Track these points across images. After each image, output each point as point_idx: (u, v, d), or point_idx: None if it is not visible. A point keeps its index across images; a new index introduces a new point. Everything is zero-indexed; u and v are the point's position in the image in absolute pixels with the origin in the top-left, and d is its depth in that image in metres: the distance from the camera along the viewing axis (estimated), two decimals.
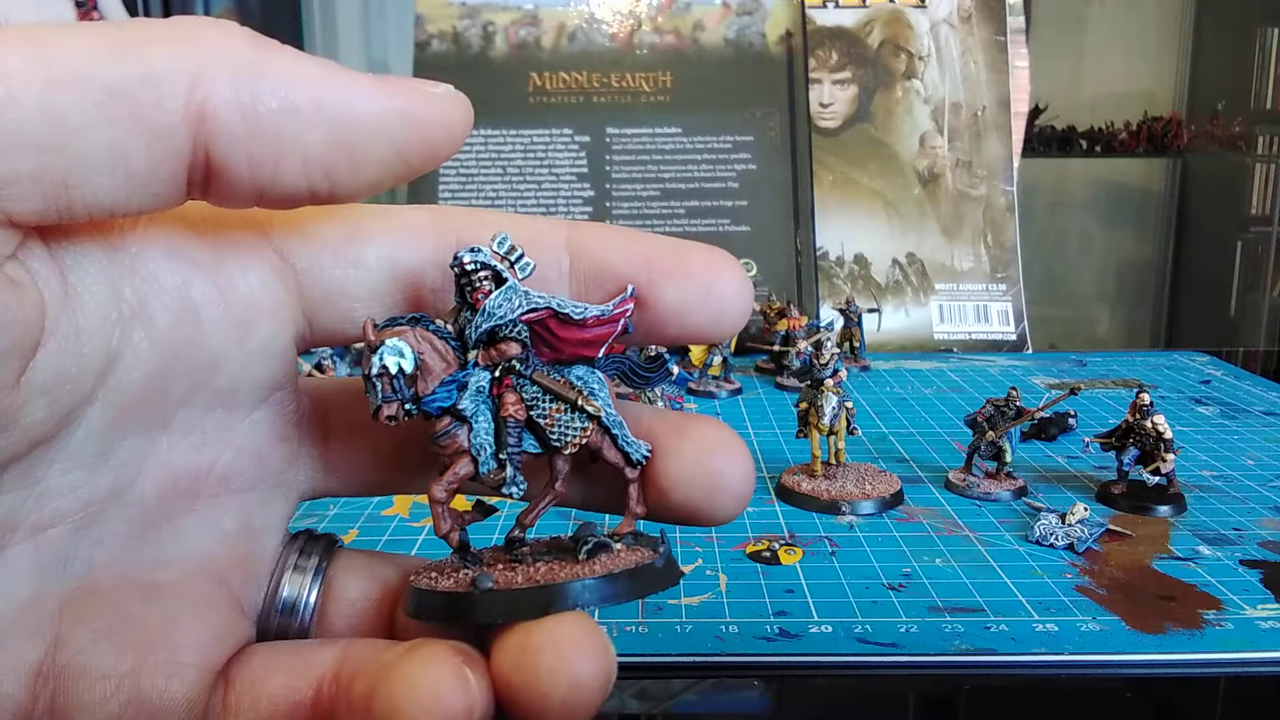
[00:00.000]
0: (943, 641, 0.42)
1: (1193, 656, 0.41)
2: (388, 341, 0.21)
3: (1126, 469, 0.59)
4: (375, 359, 0.21)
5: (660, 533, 0.24)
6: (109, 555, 0.22)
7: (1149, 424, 0.57)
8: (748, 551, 0.51)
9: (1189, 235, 2.20)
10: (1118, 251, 2.31)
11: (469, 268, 0.22)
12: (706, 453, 0.23)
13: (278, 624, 0.24)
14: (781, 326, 0.86)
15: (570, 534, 0.24)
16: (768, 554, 0.51)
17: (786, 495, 0.58)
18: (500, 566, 0.23)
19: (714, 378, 0.82)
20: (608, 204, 1.01)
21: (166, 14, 1.94)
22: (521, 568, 0.22)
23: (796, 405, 0.61)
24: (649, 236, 0.24)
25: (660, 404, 0.60)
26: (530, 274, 0.23)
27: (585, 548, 0.23)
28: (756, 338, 0.92)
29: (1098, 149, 2.11)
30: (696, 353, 0.81)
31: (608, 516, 0.26)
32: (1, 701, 0.21)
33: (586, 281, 0.24)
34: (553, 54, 1.05)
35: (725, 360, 0.82)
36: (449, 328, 0.23)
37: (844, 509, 0.56)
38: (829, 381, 0.60)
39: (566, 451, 0.23)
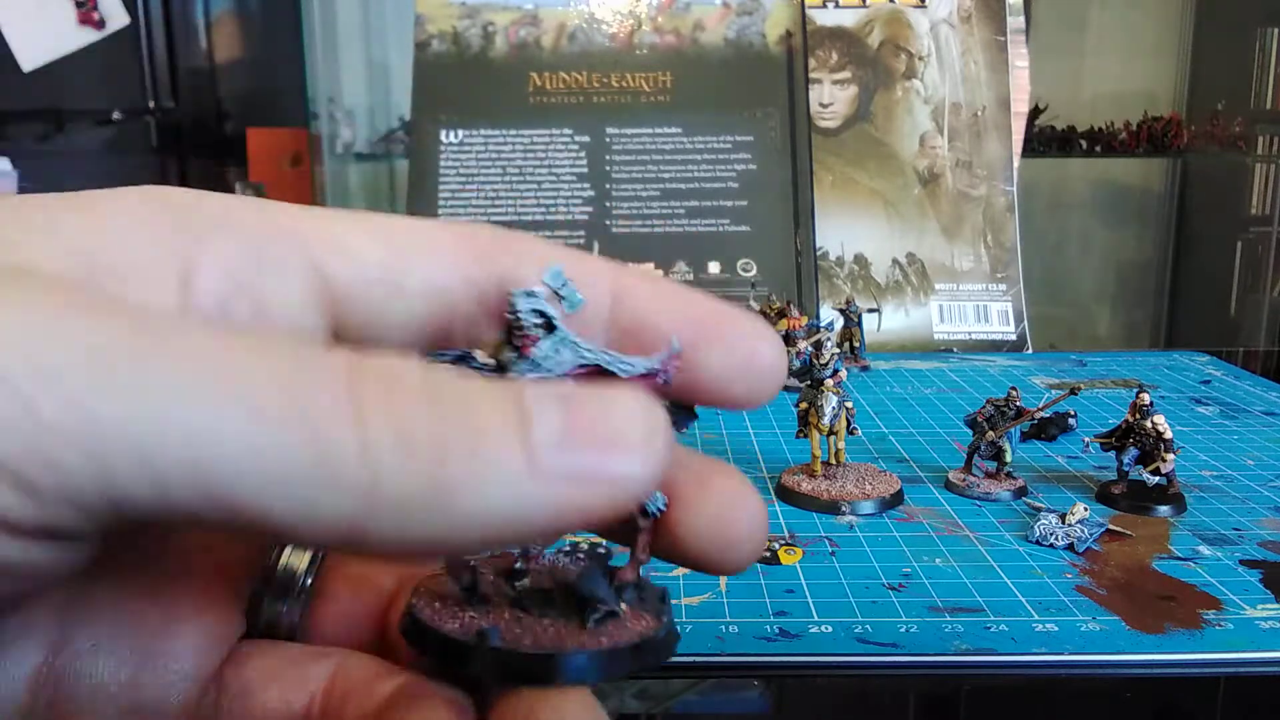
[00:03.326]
0: (943, 641, 0.42)
1: (1193, 656, 0.41)
2: None
3: (1126, 469, 0.59)
4: None
5: (664, 592, 0.23)
6: (111, 552, 0.22)
7: (1149, 424, 0.57)
8: None
9: (1189, 235, 2.20)
10: (1118, 251, 2.31)
11: (522, 314, 0.21)
12: (725, 510, 0.23)
13: (266, 620, 0.24)
14: (781, 326, 0.86)
15: (573, 575, 0.23)
16: (768, 554, 0.51)
17: (786, 495, 0.58)
18: (506, 615, 0.22)
19: None
20: (608, 204, 1.01)
21: (166, 12, 1.94)
22: (527, 622, 0.21)
23: (796, 405, 0.61)
24: (694, 296, 0.23)
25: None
26: (578, 310, 0.22)
27: (594, 616, 0.21)
28: None
29: (1098, 149, 2.11)
30: None
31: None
32: (3, 704, 0.20)
33: (623, 331, 0.23)
34: (553, 54, 1.05)
35: None
36: (492, 361, 0.21)
37: (844, 509, 0.56)
38: (829, 381, 0.60)
39: None
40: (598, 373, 0.21)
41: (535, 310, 0.20)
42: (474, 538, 0.16)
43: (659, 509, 0.22)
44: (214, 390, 0.15)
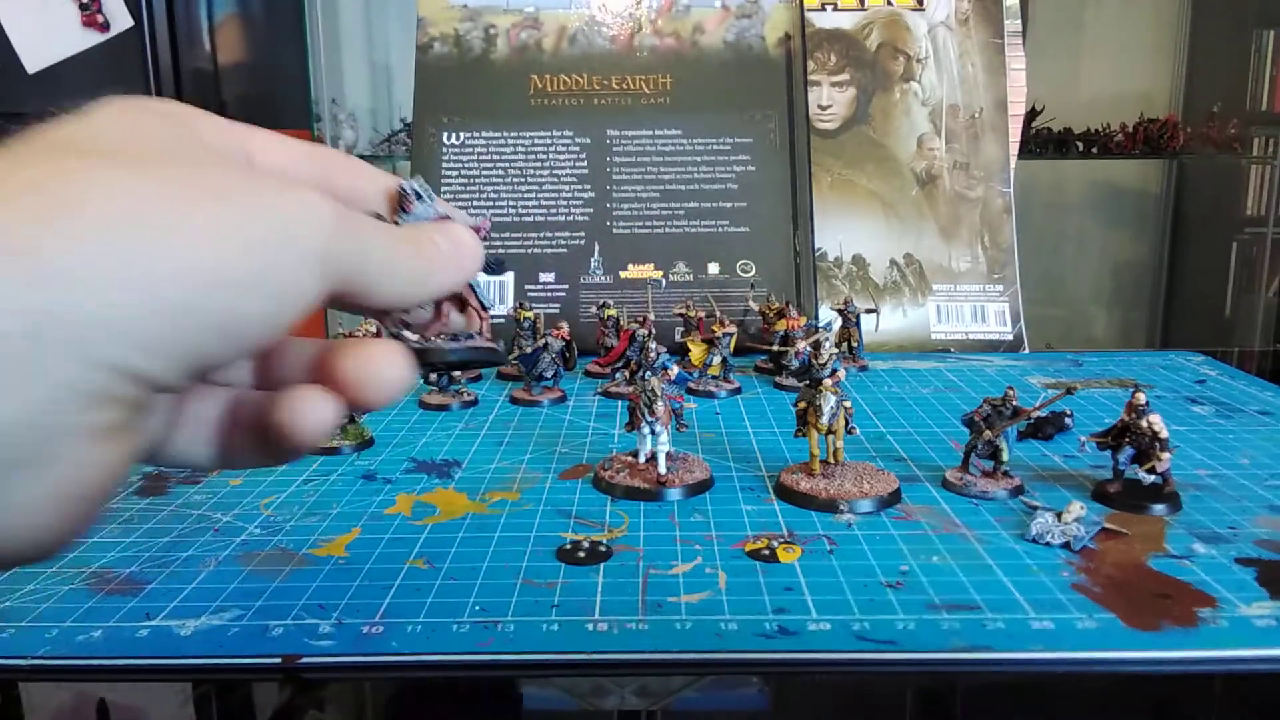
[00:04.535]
0: (940, 639, 0.43)
1: (1188, 654, 0.42)
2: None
3: (1122, 468, 0.59)
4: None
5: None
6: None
7: (1145, 423, 0.58)
8: (747, 549, 0.52)
9: (1185, 236, 2.21)
10: (1114, 252, 2.32)
11: (408, 192, 0.34)
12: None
13: None
14: (780, 327, 0.87)
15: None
16: (766, 552, 0.51)
17: (785, 494, 0.59)
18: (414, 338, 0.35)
19: (714, 378, 0.83)
20: (608, 205, 1.02)
21: (170, 15, 1.94)
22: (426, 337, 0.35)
23: (795, 405, 0.62)
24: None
25: (660, 403, 0.60)
26: (428, 197, 0.34)
27: (456, 338, 0.35)
28: (756, 338, 0.92)
29: (1094, 150, 2.11)
30: (696, 353, 0.82)
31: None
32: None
33: None
34: (554, 56, 1.06)
35: (725, 360, 0.82)
36: (390, 219, 0.34)
37: (842, 507, 0.57)
38: (827, 381, 0.60)
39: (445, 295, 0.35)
40: (446, 221, 0.34)
41: (415, 189, 0.34)
42: (434, 294, 0.32)
43: (491, 303, 0.37)
44: (391, 246, 0.29)
